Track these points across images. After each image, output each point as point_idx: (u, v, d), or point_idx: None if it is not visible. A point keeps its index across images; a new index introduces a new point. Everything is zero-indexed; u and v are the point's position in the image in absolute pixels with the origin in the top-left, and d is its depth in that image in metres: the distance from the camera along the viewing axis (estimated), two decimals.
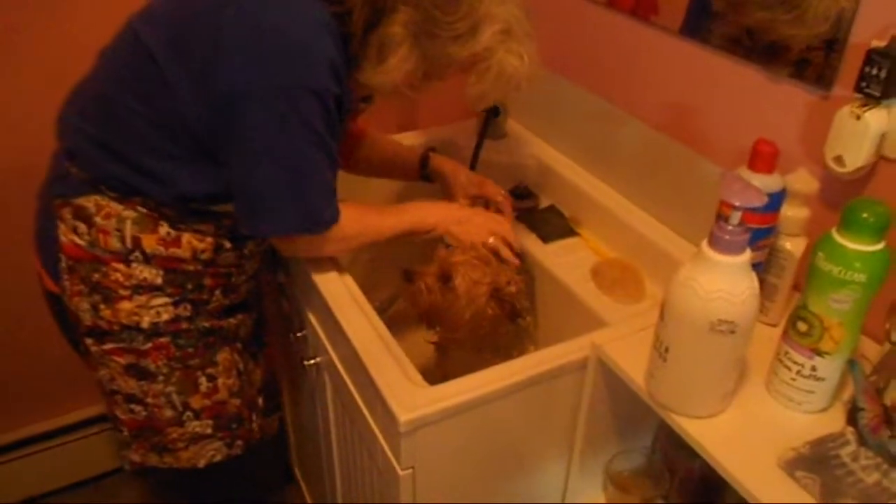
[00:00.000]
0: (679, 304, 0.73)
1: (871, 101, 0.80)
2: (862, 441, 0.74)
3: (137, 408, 1.09)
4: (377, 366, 0.91)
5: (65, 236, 1.01)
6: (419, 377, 0.91)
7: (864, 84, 0.80)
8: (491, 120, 1.39)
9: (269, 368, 1.26)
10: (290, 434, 1.65)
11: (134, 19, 0.97)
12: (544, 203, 1.39)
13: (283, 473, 1.73)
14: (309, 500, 1.65)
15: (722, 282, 0.70)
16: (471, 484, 0.98)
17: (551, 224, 1.33)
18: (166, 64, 0.91)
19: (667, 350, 0.76)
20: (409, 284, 1.08)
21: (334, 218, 1.01)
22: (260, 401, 1.21)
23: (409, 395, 0.87)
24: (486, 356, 1.10)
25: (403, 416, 0.84)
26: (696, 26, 1.07)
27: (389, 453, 0.91)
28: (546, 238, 1.29)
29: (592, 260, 1.24)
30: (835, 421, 0.79)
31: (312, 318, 1.14)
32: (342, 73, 0.92)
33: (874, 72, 0.79)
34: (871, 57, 0.79)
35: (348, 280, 1.07)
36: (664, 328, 0.76)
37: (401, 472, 0.89)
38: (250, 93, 0.88)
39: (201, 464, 1.15)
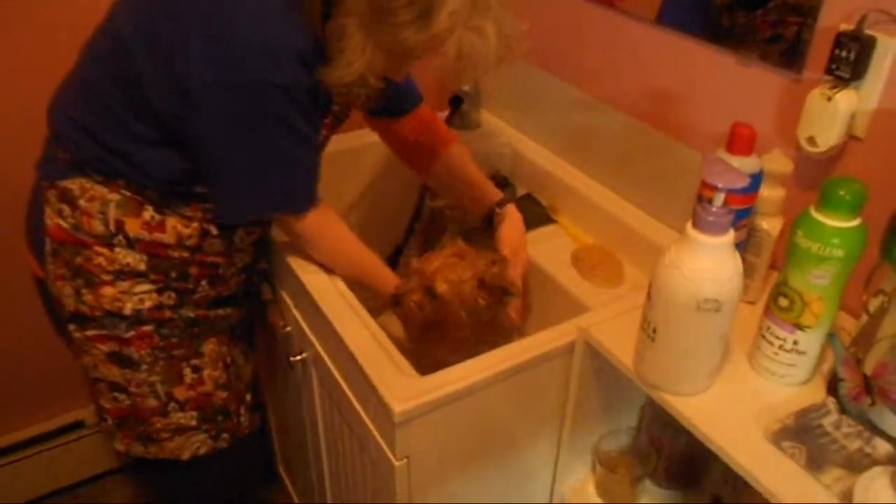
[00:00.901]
0: (666, 285, 0.75)
1: (841, 82, 0.83)
2: (843, 410, 0.77)
3: (121, 396, 1.09)
4: (367, 358, 0.92)
5: (50, 219, 1.01)
6: (410, 368, 0.92)
7: (834, 66, 0.83)
8: (455, 111, 1.39)
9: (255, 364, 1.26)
10: (273, 432, 1.65)
11: (115, 7, 0.97)
12: (520, 192, 1.40)
13: (267, 472, 1.73)
14: (295, 500, 1.65)
15: (707, 262, 0.72)
16: (464, 471, 0.99)
17: (529, 212, 1.34)
18: (135, 51, 0.92)
19: (655, 331, 0.78)
20: (399, 308, 1.08)
21: (305, 204, 1.01)
22: (248, 396, 1.21)
23: (401, 385, 0.88)
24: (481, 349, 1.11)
25: (398, 406, 0.84)
26: (673, 13, 1.09)
27: (383, 444, 0.91)
28: (525, 226, 1.31)
29: (571, 246, 1.26)
30: (816, 392, 0.81)
31: (296, 313, 1.14)
32: (313, 64, 0.91)
33: (843, 54, 0.82)
34: (841, 40, 0.82)
35: (338, 282, 1.07)
36: (652, 309, 0.78)
37: (396, 463, 0.90)
38: (215, 85, 0.88)
39: (186, 455, 1.15)
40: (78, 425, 1.74)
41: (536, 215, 1.34)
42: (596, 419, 1.03)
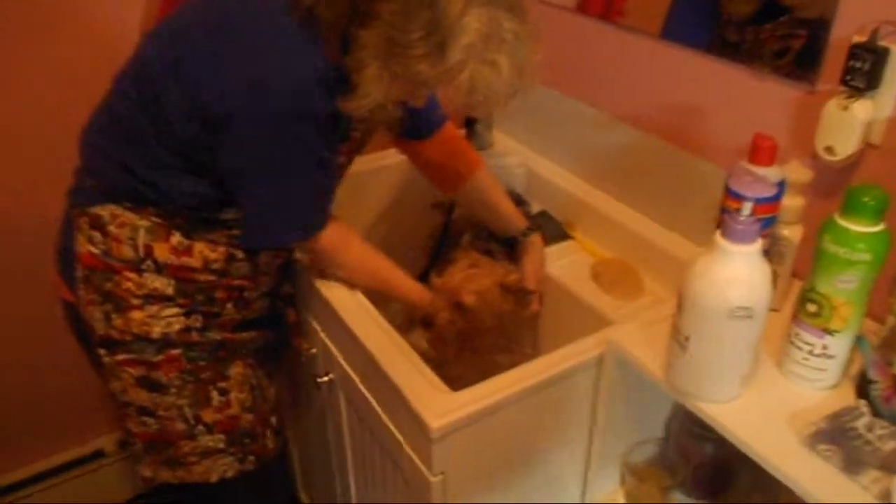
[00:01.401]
0: (698, 294, 0.76)
1: (857, 92, 0.86)
2: (875, 412, 0.79)
3: (149, 420, 1.10)
4: (400, 375, 0.93)
5: (81, 246, 1.03)
6: (442, 384, 0.93)
7: (849, 77, 0.85)
8: (469, 131, 1.42)
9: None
10: (295, 459, 1.65)
11: (146, 39, 0.99)
12: (535, 209, 1.42)
13: (291, 501, 1.72)
14: None
15: (738, 270, 0.74)
16: (496, 485, 1.00)
17: (545, 229, 1.36)
18: (160, 79, 0.94)
19: (687, 339, 0.79)
20: (431, 329, 1.10)
21: (321, 228, 1.04)
22: (273, 419, 1.22)
23: (436, 401, 0.89)
24: (500, 357, 1.13)
25: (435, 422, 0.86)
26: (677, 28, 1.12)
27: (418, 461, 0.92)
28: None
29: (589, 261, 1.28)
30: (846, 396, 0.83)
31: (322, 334, 1.15)
32: (335, 91, 0.92)
33: (858, 65, 0.84)
34: (855, 52, 0.84)
35: (356, 290, 1.10)
36: (683, 318, 0.79)
37: (432, 479, 0.91)
38: (247, 116, 0.91)
39: (213, 478, 1.16)
40: (98, 455, 1.74)
41: (553, 231, 1.36)
42: (624, 431, 1.04)
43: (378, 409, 1.01)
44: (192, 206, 1.02)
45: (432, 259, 1.39)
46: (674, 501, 1.07)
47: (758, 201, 0.74)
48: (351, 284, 1.10)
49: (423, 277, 1.42)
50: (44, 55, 1.35)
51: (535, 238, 1.24)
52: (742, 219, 0.73)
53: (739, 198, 0.73)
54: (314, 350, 1.21)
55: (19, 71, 1.34)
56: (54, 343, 1.47)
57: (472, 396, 0.90)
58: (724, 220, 0.74)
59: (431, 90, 0.95)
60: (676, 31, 1.14)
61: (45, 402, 1.64)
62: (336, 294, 1.09)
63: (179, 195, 1.00)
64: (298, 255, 1.16)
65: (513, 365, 0.96)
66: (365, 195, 1.46)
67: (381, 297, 1.11)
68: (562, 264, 1.27)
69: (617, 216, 1.28)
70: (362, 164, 1.37)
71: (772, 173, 0.85)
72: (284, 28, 0.90)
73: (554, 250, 1.31)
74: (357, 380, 1.06)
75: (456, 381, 0.94)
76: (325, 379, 1.16)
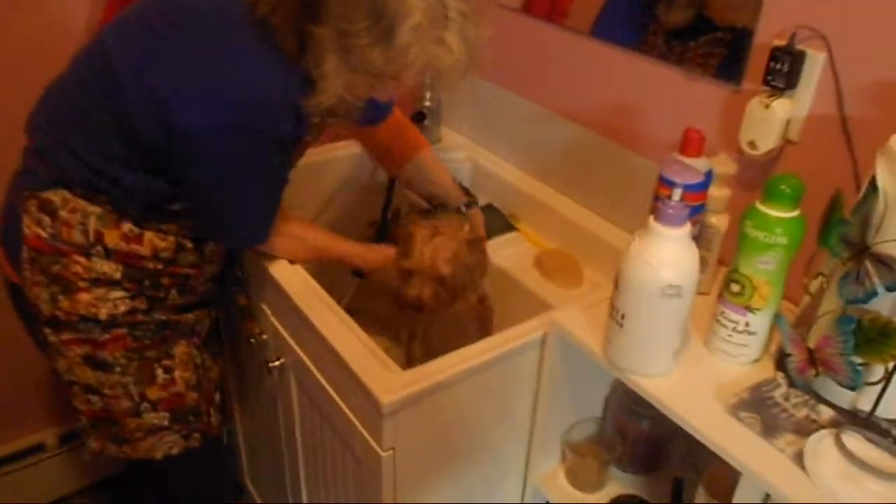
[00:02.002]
0: (633, 274, 0.82)
1: (777, 92, 0.93)
2: (791, 383, 0.86)
3: (94, 398, 1.12)
4: (352, 356, 0.96)
5: (28, 228, 1.03)
6: (392, 363, 0.97)
7: (770, 78, 0.93)
8: (418, 127, 1.45)
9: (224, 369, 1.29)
10: (241, 445, 1.66)
11: (107, 31, 1.00)
12: (482, 203, 1.47)
13: (234, 487, 1.73)
14: None
15: (669, 251, 0.80)
16: (444, 461, 1.04)
17: (491, 221, 1.41)
18: (128, 83, 0.95)
19: (623, 317, 0.85)
20: (421, 310, 1.14)
21: (266, 229, 1.09)
22: (217, 397, 1.24)
23: (386, 379, 0.93)
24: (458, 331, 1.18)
25: (385, 398, 0.89)
26: (604, 28, 1.19)
27: (369, 438, 0.96)
28: (488, 235, 1.37)
29: (532, 252, 1.34)
30: (766, 370, 0.90)
31: (273, 319, 1.18)
32: (301, 110, 0.95)
33: (778, 67, 0.92)
34: (775, 54, 0.92)
35: (304, 274, 1.13)
36: (619, 297, 0.85)
37: (382, 454, 0.94)
38: (210, 131, 0.93)
39: (158, 455, 1.18)
40: (38, 448, 1.71)
41: (498, 224, 1.41)
42: (565, 410, 1.10)
43: (329, 389, 1.04)
44: (143, 198, 1.03)
45: (378, 234, 1.43)
46: (611, 476, 1.14)
47: (686, 188, 0.80)
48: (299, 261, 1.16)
49: None
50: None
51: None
52: (673, 204, 0.80)
53: (670, 184, 0.79)
54: (265, 336, 1.23)
55: None
56: None
57: (420, 374, 0.94)
58: (656, 205, 0.81)
59: (394, 79, 0.95)
60: (611, 32, 1.20)
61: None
62: (288, 278, 1.11)
63: (132, 188, 1.02)
64: None
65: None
66: (309, 186, 1.48)
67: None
68: (506, 254, 1.33)
69: (559, 208, 1.34)
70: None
71: (700, 164, 0.92)
72: (246, 45, 0.92)
73: (499, 241, 1.36)
74: (308, 362, 1.09)
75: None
76: (277, 363, 1.18)
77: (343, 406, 1.01)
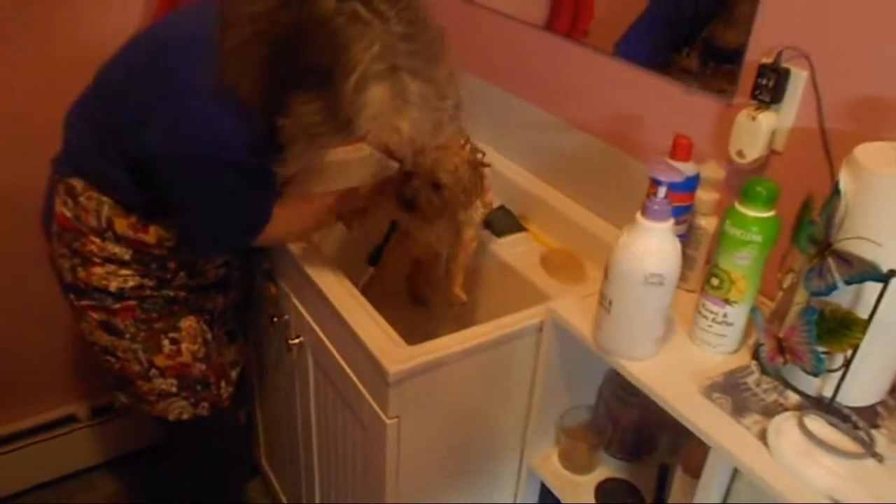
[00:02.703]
0: (619, 263, 0.91)
1: (763, 105, 1.01)
2: (763, 370, 0.93)
3: (112, 359, 1.26)
4: (364, 331, 1.06)
5: (58, 207, 1.18)
6: (399, 339, 1.06)
7: (758, 92, 1.01)
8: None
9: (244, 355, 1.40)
10: (260, 428, 1.75)
11: (128, 44, 1.12)
12: (496, 204, 1.56)
13: (249, 466, 1.83)
14: (281, 497, 1.75)
15: (652, 243, 0.89)
16: (445, 436, 1.13)
17: (502, 222, 1.50)
18: (117, 99, 1.08)
19: (610, 303, 0.93)
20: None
21: (253, 233, 1.15)
22: (233, 373, 1.34)
23: (393, 352, 1.02)
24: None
25: (392, 368, 0.98)
26: (624, 48, 1.28)
27: (376, 406, 1.05)
28: (499, 234, 1.47)
29: (540, 250, 1.42)
30: (743, 359, 0.97)
31: (296, 301, 1.28)
32: (261, 150, 1.02)
33: (765, 82, 1.00)
34: (762, 71, 1.00)
35: (325, 258, 1.23)
36: (608, 285, 0.93)
37: (388, 422, 1.03)
38: (172, 155, 1.02)
39: (171, 417, 1.29)
40: (71, 419, 1.83)
41: (509, 224, 1.50)
42: (560, 396, 1.18)
43: (342, 363, 1.14)
44: (147, 202, 1.15)
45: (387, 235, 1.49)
46: (601, 461, 1.21)
47: (671, 186, 0.88)
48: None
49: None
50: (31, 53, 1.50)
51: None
52: (657, 200, 0.88)
53: (657, 183, 0.87)
54: (287, 316, 1.32)
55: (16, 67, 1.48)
56: (28, 313, 1.58)
57: (425, 349, 1.03)
58: (644, 203, 0.89)
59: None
60: (624, 49, 1.29)
61: (20, 367, 1.74)
62: (310, 262, 1.21)
63: (138, 193, 1.13)
64: None
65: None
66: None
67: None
68: (515, 252, 1.41)
69: (566, 211, 1.42)
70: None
71: (688, 168, 1.00)
72: (213, 102, 0.97)
73: (509, 240, 1.45)
74: (325, 339, 1.19)
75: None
76: (296, 341, 1.28)
77: (354, 377, 1.11)
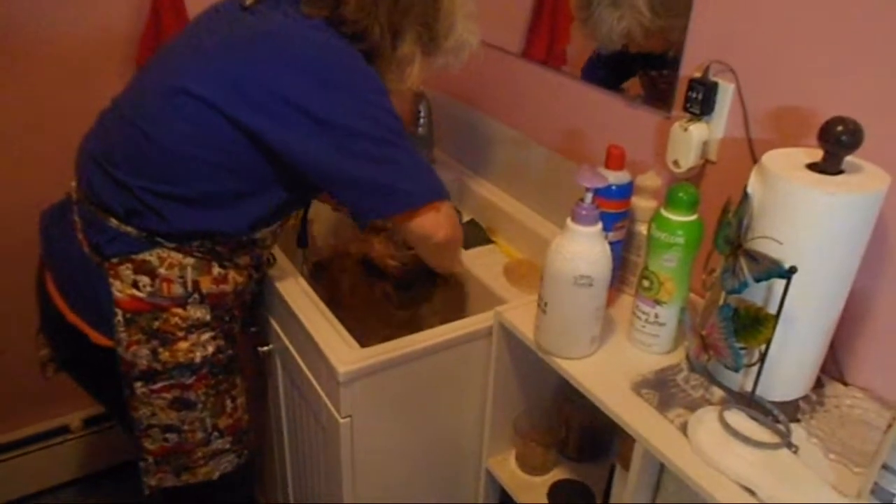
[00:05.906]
0: (552, 266, 0.96)
1: (695, 117, 1.07)
2: (692, 368, 0.98)
3: (172, 436, 1.16)
4: (319, 333, 1.12)
5: (121, 292, 1.07)
6: (353, 341, 1.11)
7: (689, 105, 1.06)
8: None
9: None
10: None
11: (173, 82, 1.04)
12: (466, 218, 1.62)
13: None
14: (259, 498, 1.80)
15: (580, 246, 0.94)
16: (401, 434, 1.18)
17: (471, 234, 1.56)
18: (232, 112, 1.00)
19: (546, 304, 0.99)
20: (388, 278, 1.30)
21: (444, 191, 1.12)
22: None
23: (345, 353, 1.07)
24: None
25: (341, 367, 1.04)
26: (587, 73, 1.34)
27: (330, 405, 1.10)
28: (467, 246, 1.52)
29: (504, 261, 1.48)
30: (677, 359, 1.02)
31: (270, 318, 1.33)
32: None
33: (695, 95, 1.05)
34: (692, 84, 1.06)
35: (301, 280, 1.28)
36: (544, 287, 0.98)
37: (341, 421, 1.08)
38: (343, 116, 1.01)
39: (216, 476, 1.22)
40: (63, 430, 1.89)
41: (477, 237, 1.56)
42: (515, 398, 1.22)
43: (303, 365, 1.19)
44: (233, 231, 1.11)
45: None
46: (557, 462, 1.25)
47: (601, 193, 0.93)
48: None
49: None
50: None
51: None
52: (585, 205, 0.93)
53: (587, 189, 0.93)
54: (254, 329, 1.38)
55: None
56: (19, 322, 1.61)
57: (376, 351, 1.08)
58: (573, 208, 0.95)
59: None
60: (587, 75, 1.35)
61: (16, 378, 1.79)
62: (281, 280, 1.27)
63: (225, 224, 1.09)
64: None
65: None
66: None
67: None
68: (481, 263, 1.47)
69: (530, 224, 1.48)
70: None
71: (621, 176, 1.05)
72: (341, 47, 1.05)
73: (476, 252, 1.51)
74: (290, 347, 1.25)
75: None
76: (266, 349, 1.34)
77: (312, 379, 1.16)
